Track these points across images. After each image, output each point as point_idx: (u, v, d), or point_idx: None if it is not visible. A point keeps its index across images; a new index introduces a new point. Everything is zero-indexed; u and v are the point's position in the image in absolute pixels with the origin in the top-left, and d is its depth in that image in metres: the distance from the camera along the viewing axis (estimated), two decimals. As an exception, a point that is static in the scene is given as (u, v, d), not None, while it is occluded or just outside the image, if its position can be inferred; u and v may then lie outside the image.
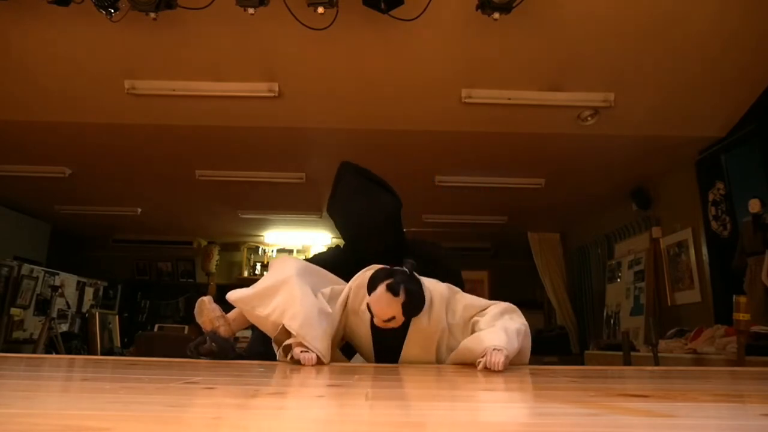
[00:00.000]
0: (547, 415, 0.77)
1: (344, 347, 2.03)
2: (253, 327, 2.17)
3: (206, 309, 2.01)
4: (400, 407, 0.87)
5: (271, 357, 1.93)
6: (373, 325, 1.87)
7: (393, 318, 1.75)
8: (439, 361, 1.89)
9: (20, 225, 6.94)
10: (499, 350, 1.58)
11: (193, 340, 2.01)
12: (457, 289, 1.95)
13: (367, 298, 1.77)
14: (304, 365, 1.65)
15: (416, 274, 1.81)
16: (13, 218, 6.79)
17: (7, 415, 0.65)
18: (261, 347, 2.10)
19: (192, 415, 0.74)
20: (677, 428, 0.66)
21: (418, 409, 0.86)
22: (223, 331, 1.99)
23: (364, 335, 1.92)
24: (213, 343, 1.94)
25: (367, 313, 1.84)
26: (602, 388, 1.22)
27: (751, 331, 2.93)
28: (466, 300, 1.91)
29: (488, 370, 1.54)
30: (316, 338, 1.71)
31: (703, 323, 3.91)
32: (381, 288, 1.72)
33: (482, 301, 1.91)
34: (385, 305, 1.73)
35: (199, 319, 2.02)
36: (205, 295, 2.10)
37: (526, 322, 1.83)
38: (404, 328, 1.84)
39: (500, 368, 1.53)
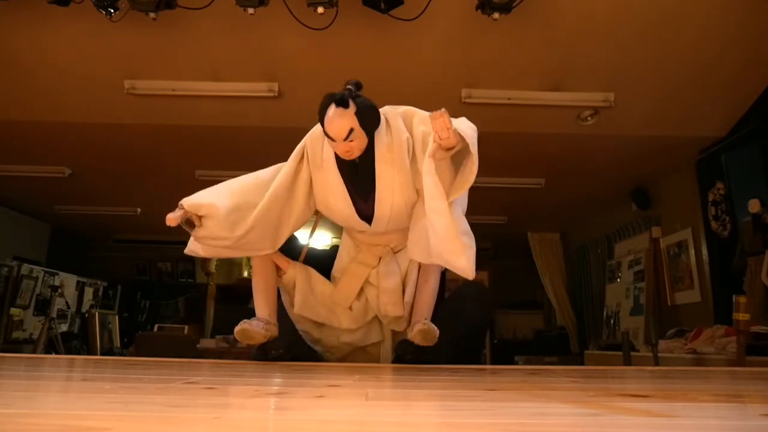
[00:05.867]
0: (547, 415, 0.77)
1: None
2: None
3: (253, 331, 1.87)
4: (400, 407, 0.87)
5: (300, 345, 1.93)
6: (341, 169, 1.85)
7: (352, 131, 1.72)
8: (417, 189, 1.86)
9: (20, 225, 6.94)
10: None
11: (256, 350, 1.99)
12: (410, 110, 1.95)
13: (326, 127, 1.74)
14: (170, 225, 1.72)
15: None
16: (13, 218, 6.79)
17: (7, 415, 0.65)
18: (290, 337, 2.07)
19: (192, 415, 0.74)
20: (677, 428, 0.66)
21: (418, 409, 0.86)
22: (276, 331, 1.95)
23: (335, 184, 1.88)
24: (280, 350, 1.94)
25: (331, 160, 1.83)
26: (602, 388, 1.22)
27: (751, 331, 2.93)
28: (420, 114, 1.90)
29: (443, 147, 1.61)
30: (194, 196, 1.77)
31: (703, 323, 3.91)
32: (330, 107, 1.71)
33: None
34: (339, 119, 1.71)
35: (251, 343, 1.91)
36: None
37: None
38: (371, 156, 1.82)
39: (450, 136, 1.63)
